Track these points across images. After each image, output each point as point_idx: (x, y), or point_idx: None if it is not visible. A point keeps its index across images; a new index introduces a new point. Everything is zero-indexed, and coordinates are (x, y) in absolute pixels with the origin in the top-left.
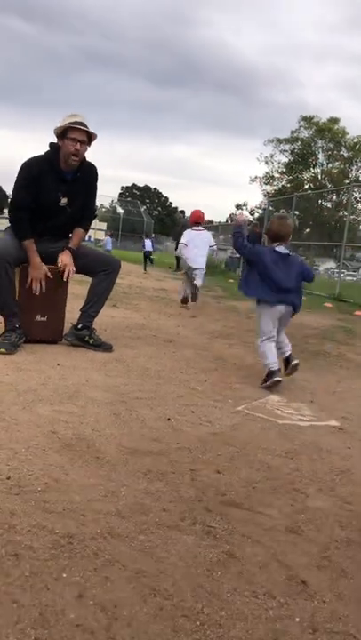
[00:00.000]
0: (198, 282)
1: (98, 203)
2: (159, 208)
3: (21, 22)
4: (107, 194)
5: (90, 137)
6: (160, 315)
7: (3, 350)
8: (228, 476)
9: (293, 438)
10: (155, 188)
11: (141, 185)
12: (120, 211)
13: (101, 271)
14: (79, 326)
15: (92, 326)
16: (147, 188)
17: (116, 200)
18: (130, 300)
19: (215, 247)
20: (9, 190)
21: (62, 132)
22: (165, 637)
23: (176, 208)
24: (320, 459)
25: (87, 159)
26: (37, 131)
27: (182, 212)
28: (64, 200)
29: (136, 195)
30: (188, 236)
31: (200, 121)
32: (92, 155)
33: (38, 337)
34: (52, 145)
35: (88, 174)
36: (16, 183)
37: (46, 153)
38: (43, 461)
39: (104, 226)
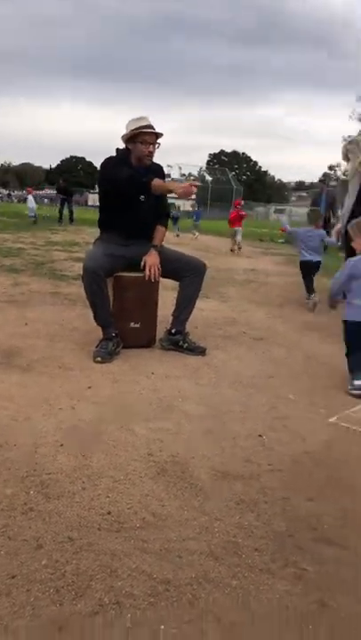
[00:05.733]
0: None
1: (186, 171)
2: (248, 173)
3: None
4: (194, 163)
5: (157, 137)
6: (250, 304)
7: (98, 359)
8: (320, 505)
9: None
10: (243, 153)
11: (229, 151)
12: (208, 179)
13: (188, 275)
14: (173, 331)
15: (184, 330)
16: (235, 153)
17: (204, 168)
18: (218, 287)
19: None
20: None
21: (132, 137)
22: None
23: (266, 172)
24: None
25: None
26: (124, 102)
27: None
28: (142, 195)
29: (224, 161)
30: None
31: (286, 78)
32: (178, 125)
33: (133, 343)
34: (119, 150)
35: (157, 172)
36: (103, 177)
37: (117, 155)
38: (140, 491)
39: (193, 195)
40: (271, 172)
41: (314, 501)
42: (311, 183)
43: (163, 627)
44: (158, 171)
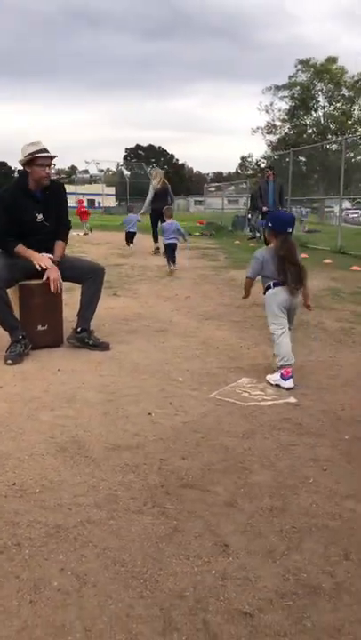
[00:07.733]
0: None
1: (104, 167)
2: (165, 166)
3: None
4: (111, 158)
5: (51, 159)
6: (158, 299)
7: (9, 362)
8: (190, 461)
9: (253, 419)
10: (159, 147)
11: (145, 145)
12: (126, 173)
13: (88, 278)
14: (79, 329)
15: (89, 328)
16: (150, 147)
17: (121, 163)
18: (131, 284)
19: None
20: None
21: (29, 161)
22: (118, 592)
23: (183, 164)
24: (271, 437)
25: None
26: (32, 101)
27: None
28: (40, 216)
29: (141, 155)
30: None
31: (196, 71)
32: (91, 120)
33: (42, 344)
34: (20, 172)
35: (56, 191)
36: None
37: (16, 181)
38: (41, 466)
39: (112, 190)
40: (189, 165)
41: (186, 459)
42: (229, 173)
43: (52, 555)
44: (58, 190)
